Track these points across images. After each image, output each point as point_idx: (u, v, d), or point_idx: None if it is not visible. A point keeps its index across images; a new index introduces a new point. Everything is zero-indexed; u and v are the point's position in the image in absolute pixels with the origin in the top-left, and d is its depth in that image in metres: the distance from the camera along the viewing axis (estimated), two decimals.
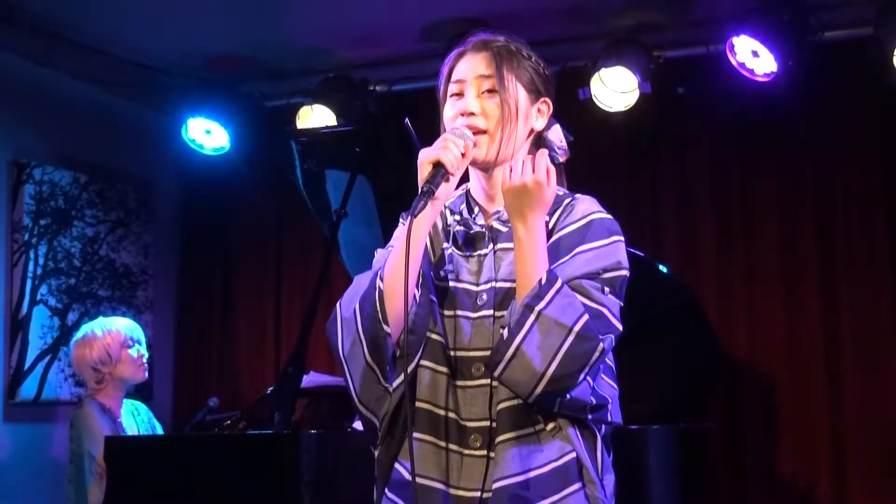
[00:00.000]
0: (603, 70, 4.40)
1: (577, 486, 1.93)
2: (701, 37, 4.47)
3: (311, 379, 3.51)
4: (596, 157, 4.64)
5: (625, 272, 1.98)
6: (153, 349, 5.33)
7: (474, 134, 2.01)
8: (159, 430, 4.14)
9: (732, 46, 4.24)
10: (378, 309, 1.94)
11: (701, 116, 4.73)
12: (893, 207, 4.47)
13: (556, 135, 2.14)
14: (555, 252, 1.97)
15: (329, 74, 4.89)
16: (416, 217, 1.91)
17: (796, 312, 4.59)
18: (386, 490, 2.02)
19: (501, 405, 1.95)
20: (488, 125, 2.03)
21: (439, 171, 1.94)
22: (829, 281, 4.54)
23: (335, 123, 4.82)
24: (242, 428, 3.47)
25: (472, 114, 2.03)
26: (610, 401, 2.00)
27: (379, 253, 2.13)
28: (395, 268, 1.93)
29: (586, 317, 1.88)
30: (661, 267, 4.11)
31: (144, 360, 4.08)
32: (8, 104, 4.74)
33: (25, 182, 4.77)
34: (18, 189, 4.75)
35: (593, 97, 4.47)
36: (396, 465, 2.01)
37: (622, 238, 2.02)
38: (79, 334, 4.10)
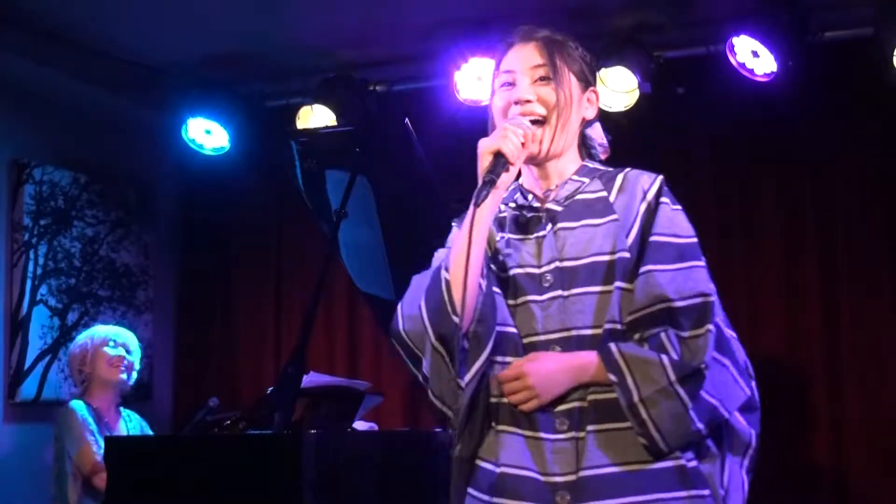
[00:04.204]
0: (603, 70, 4.39)
1: (682, 493, 1.90)
2: (701, 37, 4.47)
3: (311, 379, 3.50)
4: None
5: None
6: (153, 349, 5.34)
7: (533, 122, 2.00)
8: None
9: (732, 46, 4.24)
10: (446, 299, 1.91)
11: (701, 116, 4.73)
12: (893, 207, 4.47)
13: (598, 132, 2.16)
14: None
15: (329, 74, 4.89)
16: (479, 207, 1.88)
17: (796, 313, 4.59)
18: (469, 488, 1.99)
19: (594, 396, 1.93)
20: (545, 112, 2.02)
21: (500, 160, 1.92)
22: (829, 281, 4.53)
23: (335, 123, 4.82)
24: (242, 428, 3.47)
25: (528, 101, 2.02)
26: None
27: (438, 253, 2.11)
28: (460, 258, 1.90)
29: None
30: None
31: (124, 363, 4.14)
32: (8, 104, 4.74)
33: (25, 182, 4.77)
34: (18, 189, 4.75)
35: None
36: (478, 462, 1.98)
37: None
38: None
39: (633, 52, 4.40)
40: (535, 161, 2.05)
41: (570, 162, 2.09)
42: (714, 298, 1.95)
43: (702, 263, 1.99)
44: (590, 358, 1.92)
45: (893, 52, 4.07)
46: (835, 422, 4.48)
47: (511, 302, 1.99)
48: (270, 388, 3.60)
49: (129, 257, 5.28)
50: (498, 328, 1.96)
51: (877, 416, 4.41)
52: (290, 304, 5.44)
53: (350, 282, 4.11)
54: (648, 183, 2.03)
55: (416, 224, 3.55)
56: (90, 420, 3.96)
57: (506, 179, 1.94)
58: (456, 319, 1.90)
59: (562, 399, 1.94)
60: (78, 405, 4.01)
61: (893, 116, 4.45)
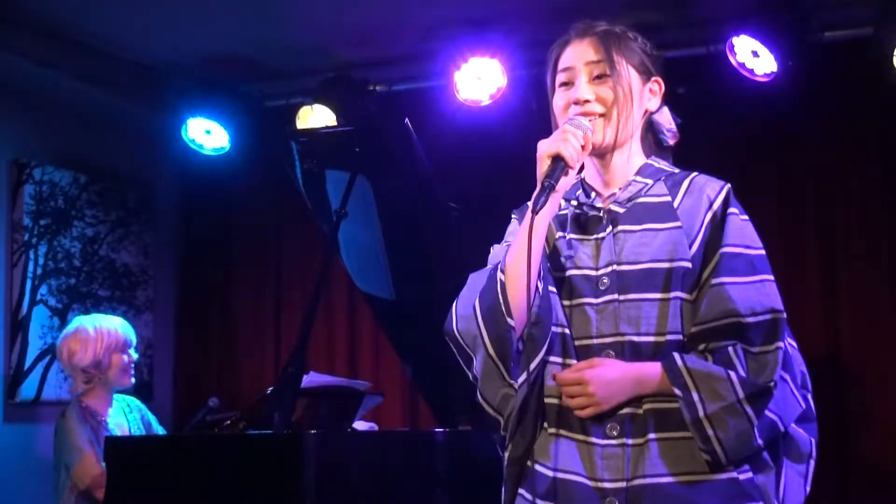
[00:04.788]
0: None
1: None
2: (701, 37, 4.47)
3: (311, 379, 3.50)
4: None
5: None
6: (153, 349, 5.34)
7: (591, 121, 1.98)
8: (155, 424, 4.06)
9: (732, 46, 4.24)
10: (501, 301, 1.90)
11: (701, 116, 4.71)
12: (893, 207, 4.47)
13: (666, 118, 2.12)
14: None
15: (329, 74, 4.88)
16: (537, 213, 1.86)
17: (796, 312, 4.56)
18: (521, 490, 1.98)
19: (649, 405, 1.91)
20: (604, 110, 1.99)
21: (559, 164, 1.89)
22: (829, 281, 4.54)
23: (335, 123, 4.82)
24: (242, 428, 3.47)
25: (586, 101, 1.99)
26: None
27: (495, 249, 2.09)
28: (517, 260, 1.88)
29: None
30: None
31: (132, 367, 3.97)
32: (8, 104, 4.73)
33: (25, 182, 4.77)
34: (18, 189, 4.75)
35: None
36: (530, 464, 1.96)
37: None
38: (70, 328, 3.97)
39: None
40: (598, 151, 2.02)
41: (633, 155, 2.06)
42: (784, 315, 1.93)
43: (772, 277, 1.96)
44: (653, 369, 1.90)
45: (893, 52, 4.07)
46: (835, 422, 4.47)
47: (566, 302, 1.97)
48: (270, 388, 3.60)
49: (129, 257, 5.28)
50: (553, 328, 1.95)
51: (878, 416, 4.41)
52: (290, 304, 5.44)
53: (350, 282, 4.11)
54: (715, 191, 2.00)
55: (415, 224, 3.55)
56: (87, 428, 3.80)
57: (565, 182, 1.91)
58: (511, 322, 1.89)
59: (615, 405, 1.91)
60: (75, 411, 3.86)
61: (893, 116, 4.45)
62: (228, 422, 3.55)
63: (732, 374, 1.87)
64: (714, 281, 1.91)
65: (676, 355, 1.89)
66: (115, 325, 4.02)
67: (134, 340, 4.05)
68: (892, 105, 4.39)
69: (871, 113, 4.51)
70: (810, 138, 4.61)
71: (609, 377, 1.88)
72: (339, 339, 5.31)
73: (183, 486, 3.09)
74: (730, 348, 1.89)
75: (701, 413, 1.85)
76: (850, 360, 4.47)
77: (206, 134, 5.04)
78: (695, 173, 2.06)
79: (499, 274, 1.92)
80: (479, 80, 4.50)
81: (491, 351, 1.91)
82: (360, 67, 4.92)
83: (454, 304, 2.00)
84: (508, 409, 1.95)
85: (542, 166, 1.90)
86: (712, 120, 4.70)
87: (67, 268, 4.95)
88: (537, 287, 1.91)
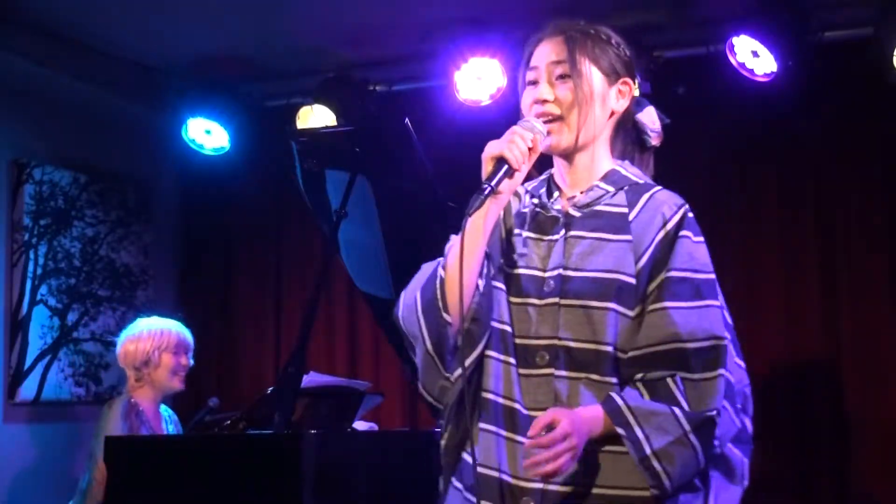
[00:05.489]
0: None
1: None
2: (701, 37, 4.47)
3: (311, 379, 3.50)
4: None
5: None
6: None
7: (550, 121, 1.98)
8: None
9: (732, 46, 4.24)
10: (439, 297, 1.91)
11: (701, 116, 4.72)
12: (893, 207, 4.47)
13: (650, 117, 2.11)
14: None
15: (329, 74, 4.89)
16: (471, 216, 1.86)
17: (796, 313, 4.59)
18: (452, 479, 2.00)
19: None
20: (563, 111, 1.99)
21: (502, 166, 1.89)
22: (829, 281, 4.53)
23: (335, 123, 4.82)
24: (242, 428, 3.47)
25: (545, 101, 2.00)
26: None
27: (453, 239, 2.07)
28: (454, 264, 1.89)
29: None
30: None
31: (185, 371, 3.99)
32: (8, 104, 4.73)
33: (25, 182, 4.77)
34: (18, 189, 4.75)
35: None
36: (464, 455, 1.98)
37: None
38: (131, 329, 4.02)
39: (633, 52, 4.39)
40: (560, 152, 2.03)
41: (599, 158, 2.05)
42: (727, 342, 1.92)
43: (718, 303, 1.96)
44: (595, 412, 1.89)
45: (893, 52, 4.07)
46: (835, 422, 4.47)
47: (514, 300, 1.98)
48: (270, 388, 3.60)
49: (129, 257, 5.28)
50: (495, 324, 1.96)
51: (878, 416, 4.41)
52: (290, 304, 5.44)
53: (350, 282, 4.11)
54: (671, 211, 1.98)
55: (415, 224, 3.55)
56: (126, 424, 3.80)
57: (510, 185, 1.91)
58: (447, 317, 1.90)
59: (540, 407, 1.92)
60: (122, 405, 3.84)
61: (893, 116, 4.45)
62: (228, 422, 3.55)
63: (676, 409, 1.86)
64: (657, 305, 1.91)
65: (615, 395, 1.89)
66: (168, 326, 4.05)
67: (190, 345, 4.06)
68: (892, 105, 4.39)
69: (871, 113, 4.51)
70: (810, 138, 4.61)
71: (577, 425, 1.84)
72: (339, 339, 5.31)
73: (183, 486, 3.08)
74: (668, 380, 1.88)
75: (648, 450, 1.85)
76: (850, 360, 4.47)
77: (206, 134, 5.05)
78: (658, 188, 2.04)
79: (439, 270, 1.93)
80: (479, 80, 4.50)
81: (428, 344, 1.93)
82: (360, 67, 4.92)
83: (403, 291, 2.02)
84: (446, 399, 1.97)
85: (486, 168, 1.90)
86: (712, 120, 4.70)
87: (67, 268, 4.95)
88: (478, 285, 1.92)
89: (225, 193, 5.50)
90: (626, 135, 2.10)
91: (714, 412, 1.87)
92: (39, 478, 4.67)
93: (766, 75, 4.24)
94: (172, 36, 4.70)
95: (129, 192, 5.30)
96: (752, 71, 4.25)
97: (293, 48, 4.85)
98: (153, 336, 3.98)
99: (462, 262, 1.84)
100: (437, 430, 3.44)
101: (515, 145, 1.90)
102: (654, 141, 2.11)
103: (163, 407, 4.07)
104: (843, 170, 4.56)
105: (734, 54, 4.24)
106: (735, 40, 4.22)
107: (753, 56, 4.23)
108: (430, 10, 4.45)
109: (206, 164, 5.16)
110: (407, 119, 3.27)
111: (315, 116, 4.92)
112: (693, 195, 5.14)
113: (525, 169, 1.93)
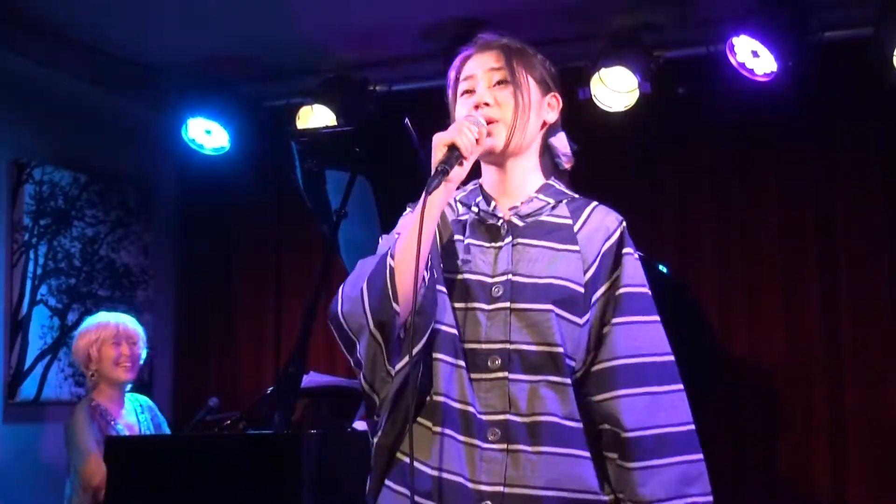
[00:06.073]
0: (603, 70, 4.40)
1: None
2: (701, 37, 4.47)
3: (311, 379, 3.51)
4: (595, 157, 4.63)
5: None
6: (153, 349, 5.34)
7: (489, 123, 2.02)
8: (164, 426, 4.05)
9: (732, 46, 4.24)
10: (389, 286, 1.90)
11: (701, 116, 4.73)
12: (893, 207, 4.47)
13: (561, 142, 2.16)
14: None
15: (329, 74, 4.89)
16: (430, 194, 1.90)
17: (796, 313, 4.59)
18: (389, 482, 1.98)
19: (531, 418, 1.95)
20: (503, 114, 2.04)
21: (454, 153, 1.93)
22: (829, 281, 4.53)
23: (335, 123, 4.82)
24: (242, 428, 3.47)
25: (486, 104, 2.04)
26: None
27: (384, 239, 2.11)
28: (407, 246, 1.90)
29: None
30: (660, 267, 4.11)
31: (130, 361, 3.93)
32: (8, 104, 4.74)
33: (25, 182, 4.77)
34: (18, 189, 4.75)
35: (593, 97, 4.47)
36: (401, 456, 1.97)
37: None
38: (79, 328, 4.04)
39: (633, 52, 4.40)
40: (494, 158, 2.07)
41: (531, 170, 2.11)
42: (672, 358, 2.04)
43: (658, 318, 2.06)
44: None
45: (893, 52, 4.07)
46: (835, 422, 4.47)
47: (459, 305, 1.99)
48: (270, 388, 3.60)
49: (129, 257, 5.28)
50: (441, 327, 1.96)
51: (877, 417, 4.41)
52: (290, 304, 5.44)
53: None
54: (614, 225, 2.05)
55: None
56: (94, 427, 3.79)
57: (458, 173, 1.95)
58: (397, 307, 1.90)
59: (494, 410, 1.94)
60: (84, 411, 3.83)
61: (893, 116, 4.45)
62: (228, 422, 3.55)
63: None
64: (619, 319, 2.00)
65: None
66: (108, 319, 4.02)
67: (134, 334, 4.00)
68: (892, 105, 4.39)
69: (871, 113, 4.51)
70: (810, 138, 4.61)
71: None
72: None
73: (183, 486, 3.09)
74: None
75: None
76: (850, 360, 4.47)
77: (206, 134, 5.05)
78: (595, 202, 2.11)
79: (388, 259, 1.93)
80: None
81: (375, 335, 1.93)
82: (360, 67, 4.93)
83: (341, 288, 2.01)
84: (383, 394, 1.96)
85: (438, 154, 1.95)
86: (712, 120, 4.71)
87: (67, 268, 4.95)
88: (424, 277, 1.93)
89: (225, 193, 5.50)
90: (548, 156, 2.16)
91: (692, 426, 2.03)
92: (39, 478, 4.67)
93: (766, 75, 4.24)
94: (172, 36, 4.70)
95: (129, 192, 5.30)
96: (752, 71, 4.25)
97: (293, 48, 4.85)
98: (90, 331, 3.96)
99: (420, 241, 1.85)
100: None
101: (464, 135, 1.95)
102: (566, 164, 2.17)
103: (133, 396, 4.02)
104: (843, 170, 4.56)
105: (734, 54, 4.24)
106: (735, 40, 4.22)
107: (753, 56, 4.23)
108: (430, 10, 4.45)
109: (206, 163, 5.16)
110: (407, 119, 3.27)
111: (315, 116, 4.92)
112: (693, 195, 5.16)
113: (471, 161, 1.97)
